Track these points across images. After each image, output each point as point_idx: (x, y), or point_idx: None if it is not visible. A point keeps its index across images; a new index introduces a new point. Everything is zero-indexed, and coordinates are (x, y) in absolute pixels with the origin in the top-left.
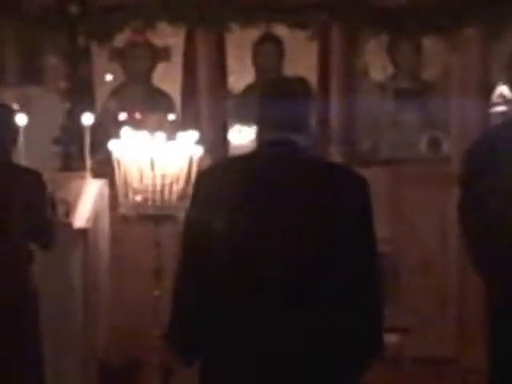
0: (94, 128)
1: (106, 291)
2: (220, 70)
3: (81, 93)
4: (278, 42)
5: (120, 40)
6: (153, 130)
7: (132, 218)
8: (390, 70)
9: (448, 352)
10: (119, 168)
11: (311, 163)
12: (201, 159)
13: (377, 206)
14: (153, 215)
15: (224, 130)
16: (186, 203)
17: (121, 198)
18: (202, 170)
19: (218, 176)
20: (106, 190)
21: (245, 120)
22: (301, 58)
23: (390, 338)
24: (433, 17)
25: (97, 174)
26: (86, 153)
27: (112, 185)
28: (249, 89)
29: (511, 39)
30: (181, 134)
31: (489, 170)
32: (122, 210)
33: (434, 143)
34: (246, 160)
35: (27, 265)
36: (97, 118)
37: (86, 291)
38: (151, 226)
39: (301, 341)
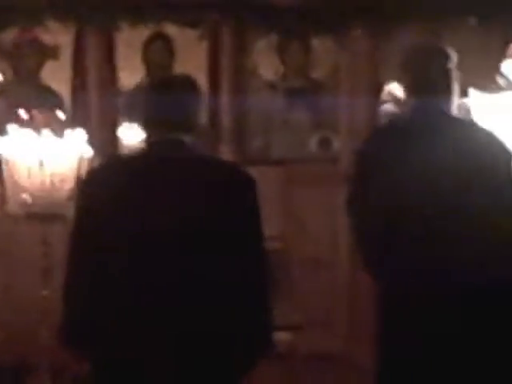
0: None
1: None
2: (110, 69)
3: None
4: (168, 40)
5: (7, 38)
6: (41, 127)
7: (20, 217)
8: (280, 69)
9: (338, 349)
10: (7, 166)
11: (199, 162)
12: (90, 158)
13: (267, 205)
14: (41, 214)
15: (114, 128)
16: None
17: (9, 195)
18: (90, 169)
19: (105, 176)
20: None
21: (134, 118)
22: (191, 57)
23: (282, 336)
24: (321, 17)
25: None
26: None
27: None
28: (138, 87)
29: (399, 38)
30: (69, 132)
31: (376, 169)
32: (10, 208)
33: (324, 142)
34: (134, 160)
35: None
36: None
37: None
38: (40, 225)
39: (187, 340)
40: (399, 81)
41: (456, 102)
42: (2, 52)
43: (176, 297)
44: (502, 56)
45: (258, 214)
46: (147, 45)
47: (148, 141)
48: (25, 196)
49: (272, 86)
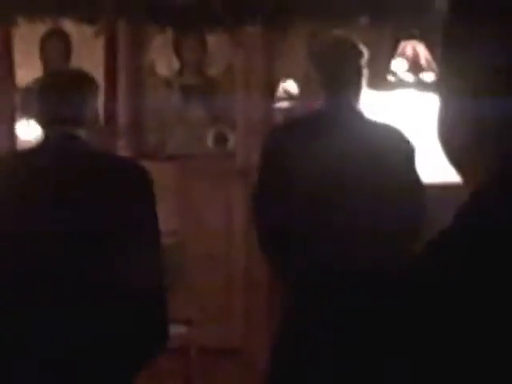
0: None
1: None
2: (7, 65)
3: None
4: (64, 37)
5: None
6: None
7: None
8: (176, 66)
9: (233, 344)
10: None
11: (92, 157)
12: None
13: (164, 200)
14: None
15: (11, 124)
16: None
17: None
18: None
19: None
20: None
21: (31, 114)
22: (88, 54)
23: (176, 330)
24: (216, 13)
25: None
26: None
27: None
28: (35, 83)
29: (296, 36)
30: None
31: (279, 161)
32: None
33: (220, 139)
34: (28, 155)
35: None
36: None
37: None
38: None
39: (77, 339)
40: (313, 73)
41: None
42: None
43: (65, 295)
44: (393, 54)
45: (153, 208)
46: (44, 41)
47: (42, 136)
48: None
49: (168, 83)
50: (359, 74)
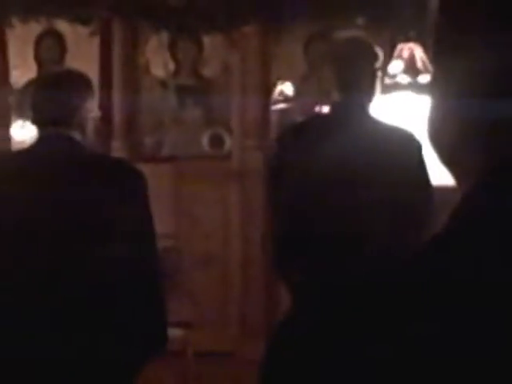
0: None
1: None
2: (2, 65)
3: None
4: (59, 37)
5: None
6: None
7: None
8: (172, 66)
9: (230, 346)
10: None
11: (85, 158)
12: None
13: (160, 202)
14: None
15: (6, 125)
16: None
17: None
18: None
19: None
20: None
21: (25, 115)
22: (83, 54)
23: (174, 333)
24: (212, 14)
25: None
26: None
27: None
28: (29, 84)
29: (292, 38)
30: None
31: (288, 165)
32: None
33: (216, 140)
34: (21, 156)
35: None
36: None
37: None
38: None
39: (74, 342)
40: (327, 72)
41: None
42: None
43: (61, 297)
44: (390, 57)
45: (147, 210)
46: (38, 41)
47: (36, 137)
48: None
49: (163, 84)
50: (374, 76)
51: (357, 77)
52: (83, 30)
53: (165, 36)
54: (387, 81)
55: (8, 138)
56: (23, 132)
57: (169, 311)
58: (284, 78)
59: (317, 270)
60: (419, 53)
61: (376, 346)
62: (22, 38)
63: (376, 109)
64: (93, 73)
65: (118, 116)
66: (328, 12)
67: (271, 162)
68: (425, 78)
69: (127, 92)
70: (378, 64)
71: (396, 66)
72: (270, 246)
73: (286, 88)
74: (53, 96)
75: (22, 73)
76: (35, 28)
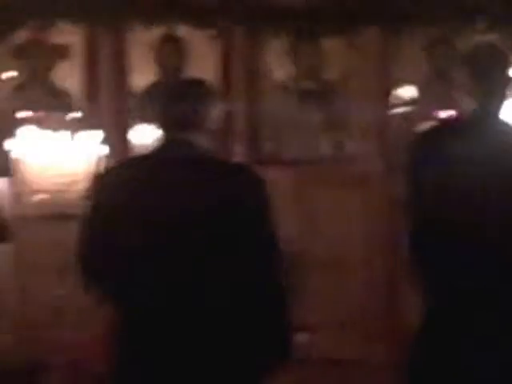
0: None
1: (9, 290)
2: (121, 70)
3: None
4: (179, 42)
5: (19, 37)
6: (53, 128)
7: (34, 217)
8: (292, 71)
9: (354, 351)
10: (19, 166)
11: (208, 163)
12: (104, 158)
13: (280, 207)
14: (54, 214)
15: (125, 129)
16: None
17: (22, 196)
18: (103, 170)
19: (118, 176)
20: (6, 189)
21: (146, 119)
22: (202, 59)
23: (298, 338)
24: (333, 18)
25: None
26: None
27: (12, 183)
28: (150, 88)
29: (411, 41)
30: (84, 133)
31: (424, 171)
32: (23, 209)
33: (337, 144)
34: (146, 160)
35: None
36: None
37: None
38: (53, 225)
39: (203, 343)
40: (462, 78)
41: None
42: (14, 51)
43: (190, 297)
44: None
45: (269, 214)
46: (159, 47)
47: (160, 141)
48: (38, 197)
49: (284, 88)
50: (507, 83)
51: (495, 85)
52: (203, 35)
53: (285, 40)
54: None
55: (127, 141)
56: (142, 136)
57: (293, 316)
58: (403, 82)
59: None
60: None
61: None
62: (141, 42)
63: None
64: (213, 77)
65: (239, 121)
66: (450, 15)
67: (408, 165)
68: None
69: (247, 97)
70: (510, 70)
71: None
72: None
73: (406, 92)
74: (181, 103)
75: (140, 77)
76: (155, 32)
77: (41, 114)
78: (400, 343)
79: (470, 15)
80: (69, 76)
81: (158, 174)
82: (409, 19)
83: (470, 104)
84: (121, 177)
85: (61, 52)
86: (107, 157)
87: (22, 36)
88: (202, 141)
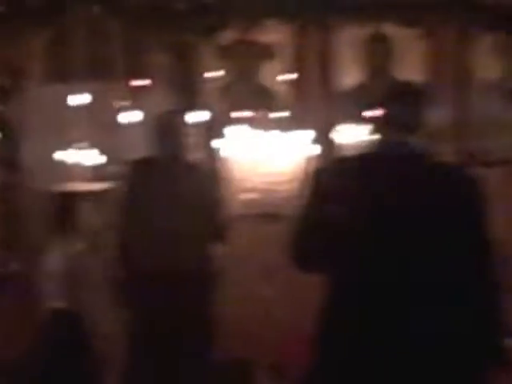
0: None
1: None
2: (325, 69)
3: (186, 89)
4: (387, 41)
5: (225, 38)
6: (263, 128)
7: (242, 216)
8: (505, 69)
9: None
10: (230, 166)
11: (425, 164)
12: (312, 158)
13: (489, 206)
14: (262, 213)
15: (333, 128)
16: (300, 201)
17: (232, 196)
18: (320, 167)
19: (339, 173)
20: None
21: (354, 119)
22: (409, 57)
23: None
24: None
25: None
26: None
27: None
28: (359, 88)
29: None
30: (293, 133)
31: None
32: (231, 209)
33: None
34: (365, 159)
35: None
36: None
37: None
38: (261, 224)
39: (415, 335)
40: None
41: None
42: (221, 51)
43: (404, 297)
44: None
45: (484, 214)
46: (366, 46)
47: (378, 142)
48: (247, 195)
49: (494, 87)
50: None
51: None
52: (410, 33)
53: (498, 38)
54: None
55: (328, 140)
56: (346, 135)
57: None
58: None
59: None
60: None
61: None
62: (348, 41)
63: None
64: (420, 75)
65: (447, 119)
66: None
67: None
68: None
69: (456, 95)
70: None
71: None
72: None
73: None
74: (404, 105)
75: (343, 75)
76: (359, 30)
77: (251, 113)
78: None
79: None
80: (272, 74)
81: (377, 172)
82: None
83: None
84: (344, 175)
85: (267, 52)
86: (317, 156)
87: (228, 36)
88: (420, 143)
